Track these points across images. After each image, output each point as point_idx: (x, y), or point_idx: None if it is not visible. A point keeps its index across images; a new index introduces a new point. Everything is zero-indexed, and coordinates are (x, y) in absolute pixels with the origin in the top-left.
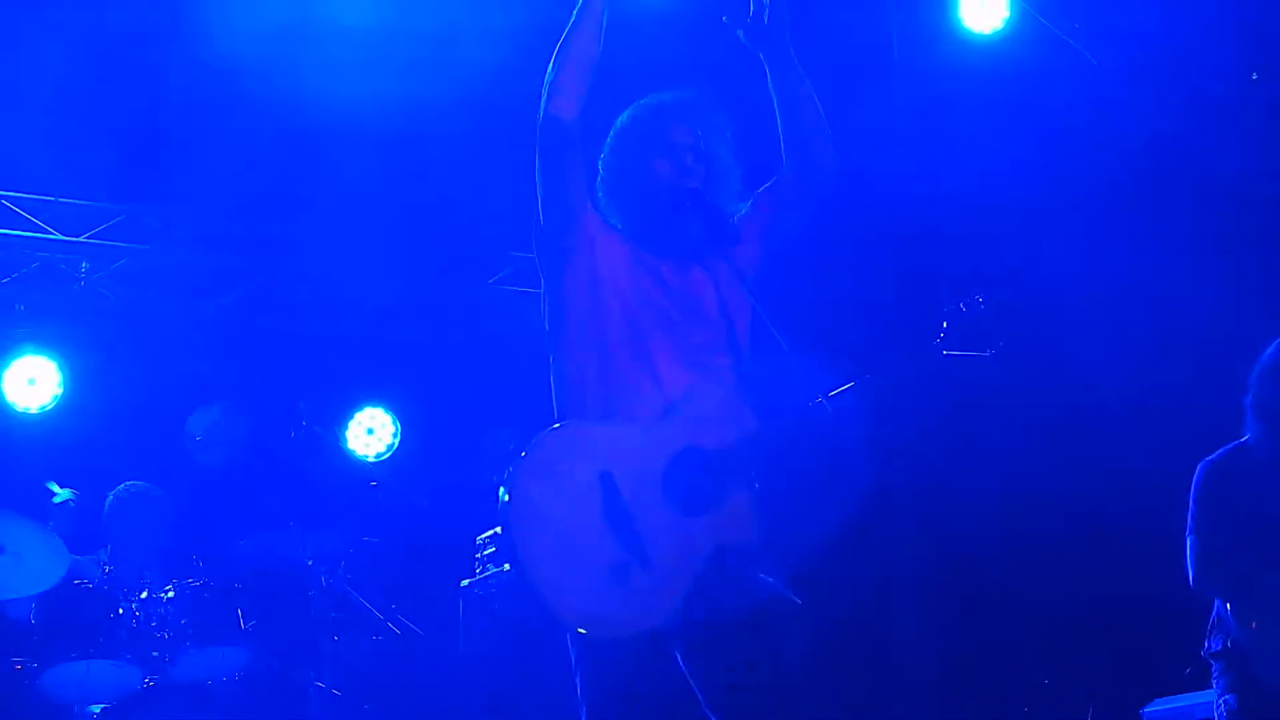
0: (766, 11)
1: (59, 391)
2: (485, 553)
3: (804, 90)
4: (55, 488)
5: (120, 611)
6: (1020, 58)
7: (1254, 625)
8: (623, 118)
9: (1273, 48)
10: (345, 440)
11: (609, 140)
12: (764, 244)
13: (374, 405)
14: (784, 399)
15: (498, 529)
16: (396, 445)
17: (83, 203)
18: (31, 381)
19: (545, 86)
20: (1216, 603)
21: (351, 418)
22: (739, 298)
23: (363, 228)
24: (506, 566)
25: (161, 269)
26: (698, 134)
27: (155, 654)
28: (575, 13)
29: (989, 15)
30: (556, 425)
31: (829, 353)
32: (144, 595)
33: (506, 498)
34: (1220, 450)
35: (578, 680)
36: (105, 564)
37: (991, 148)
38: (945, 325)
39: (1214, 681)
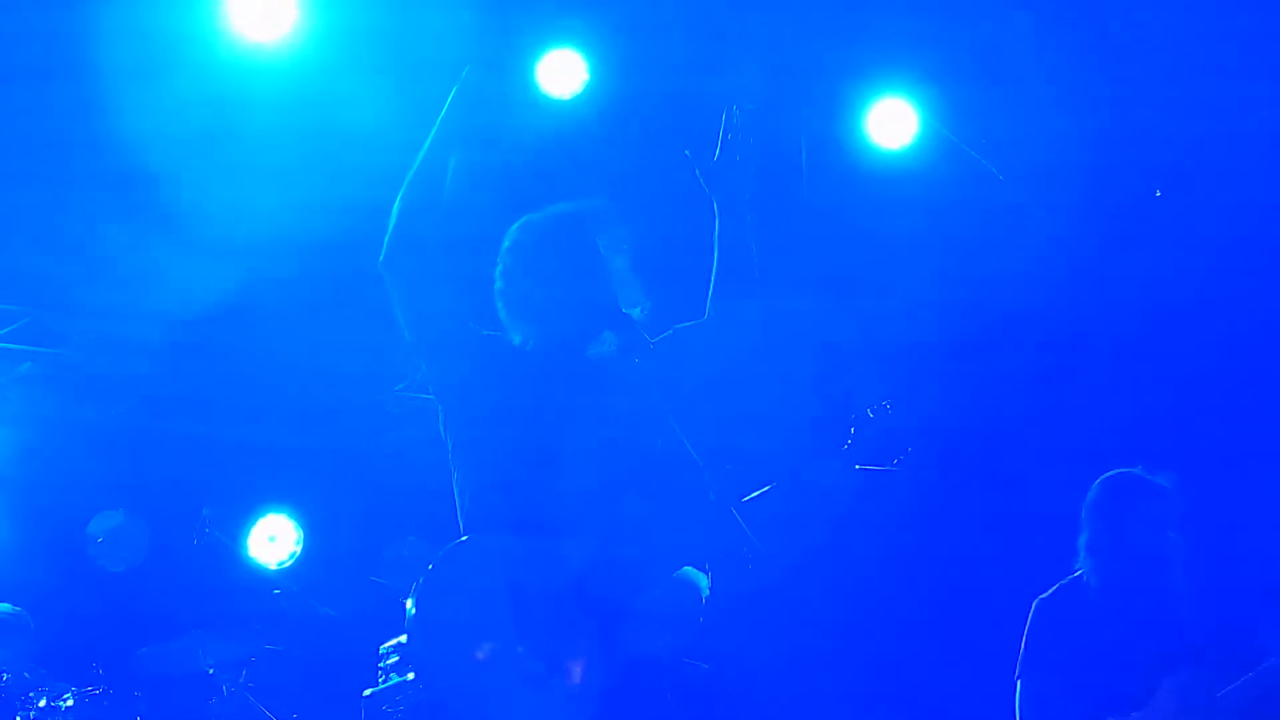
0: (731, 160)
1: None
2: (388, 662)
3: (745, 247)
4: None
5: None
6: (929, 172)
7: None
8: (521, 229)
9: (1176, 160)
10: (247, 547)
11: (508, 250)
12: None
13: (277, 511)
14: (696, 506)
15: (401, 638)
16: (299, 553)
17: None
18: None
19: (389, 235)
20: None
21: (254, 524)
22: (648, 406)
23: (267, 333)
24: (410, 676)
25: (66, 373)
26: (602, 243)
27: None
28: (420, 157)
29: (898, 132)
30: (464, 538)
31: (740, 459)
32: (42, 704)
33: (413, 610)
34: (1053, 588)
35: None
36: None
37: (899, 261)
38: (853, 431)
39: None
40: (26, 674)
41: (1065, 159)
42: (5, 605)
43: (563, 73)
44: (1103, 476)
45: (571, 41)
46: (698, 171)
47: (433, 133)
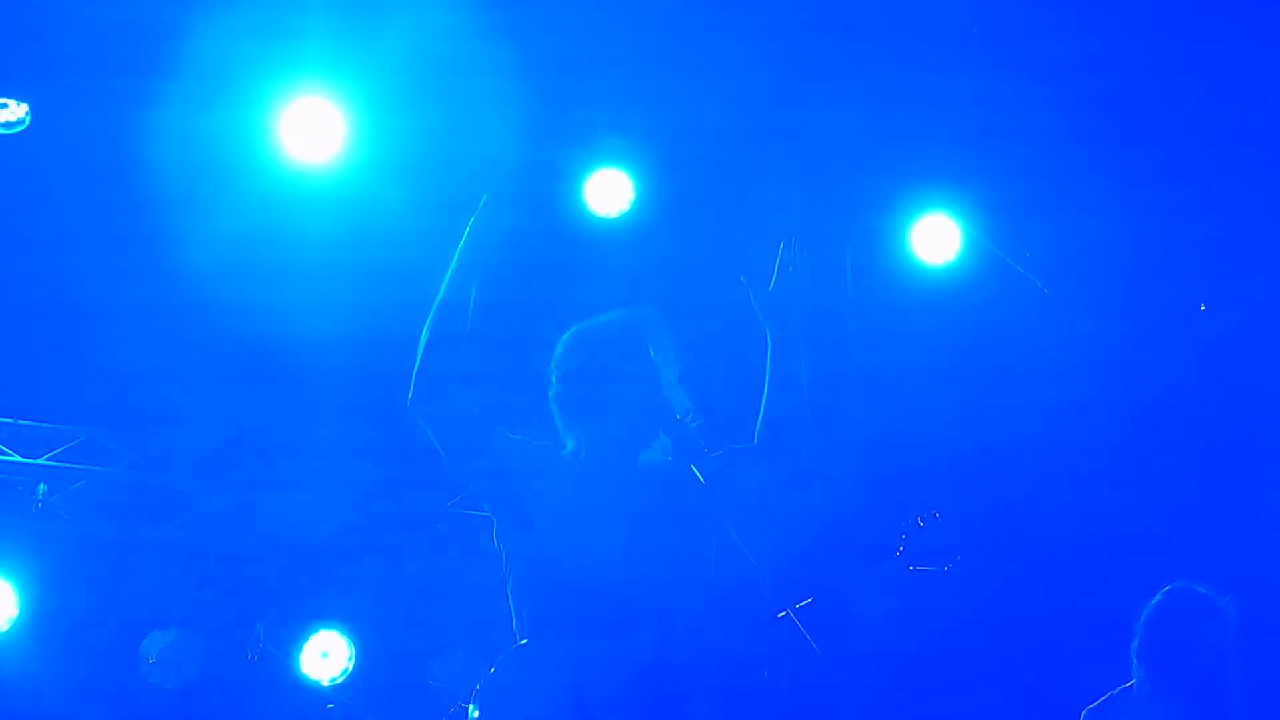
0: (787, 290)
1: (14, 614)
2: None
3: (797, 376)
4: None
5: None
6: (974, 288)
7: None
8: (576, 334)
9: (1215, 277)
10: (299, 663)
11: (562, 354)
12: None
13: (329, 628)
14: (751, 605)
15: None
16: (351, 669)
17: (41, 425)
18: None
19: (415, 375)
20: None
21: (306, 640)
22: (698, 507)
23: (320, 453)
24: None
25: (119, 491)
26: (650, 350)
27: None
28: (440, 295)
29: (942, 248)
30: (524, 641)
31: (793, 562)
32: None
33: (476, 714)
34: (1103, 698)
35: None
36: None
37: (948, 378)
38: (904, 539)
39: None
40: None
41: (1109, 270)
42: None
43: (609, 192)
44: (1164, 589)
45: (618, 161)
46: (752, 299)
47: (451, 266)
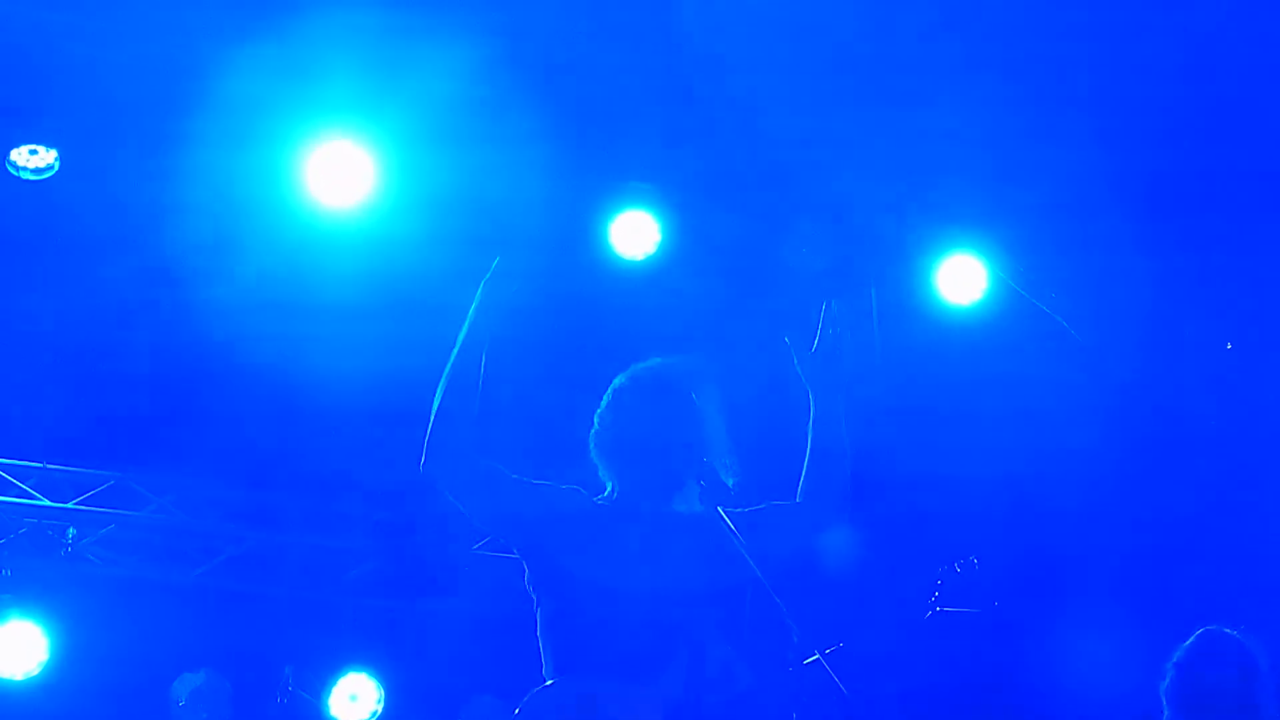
0: (830, 353)
1: (45, 658)
2: None
3: (840, 437)
4: None
5: None
6: (1000, 329)
7: None
8: (621, 379)
9: (1246, 318)
10: (328, 706)
11: (608, 398)
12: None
13: (358, 670)
14: (779, 658)
15: None
16: (380, 712)
17: (71, 469)
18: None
19: (427, 444)
20: None
21: (335, 683)
22: (732, 556)
23: (348, 495)
24: None
25: (148, 534)
26: (695, 399)
27: None
28: (452, 360)
29: (968, 288)
30: (550, 682)
31: (822, 613)
32: None
33: None
34: None
35: None
36: None
37: (975, 415)
38: (939, 584)
39: None
40: None
41: (1136, 309)
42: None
43: (635, 234)
44: (1197, 631)
45: (644, 204)
46: (795, 360)
47: (461, 336)
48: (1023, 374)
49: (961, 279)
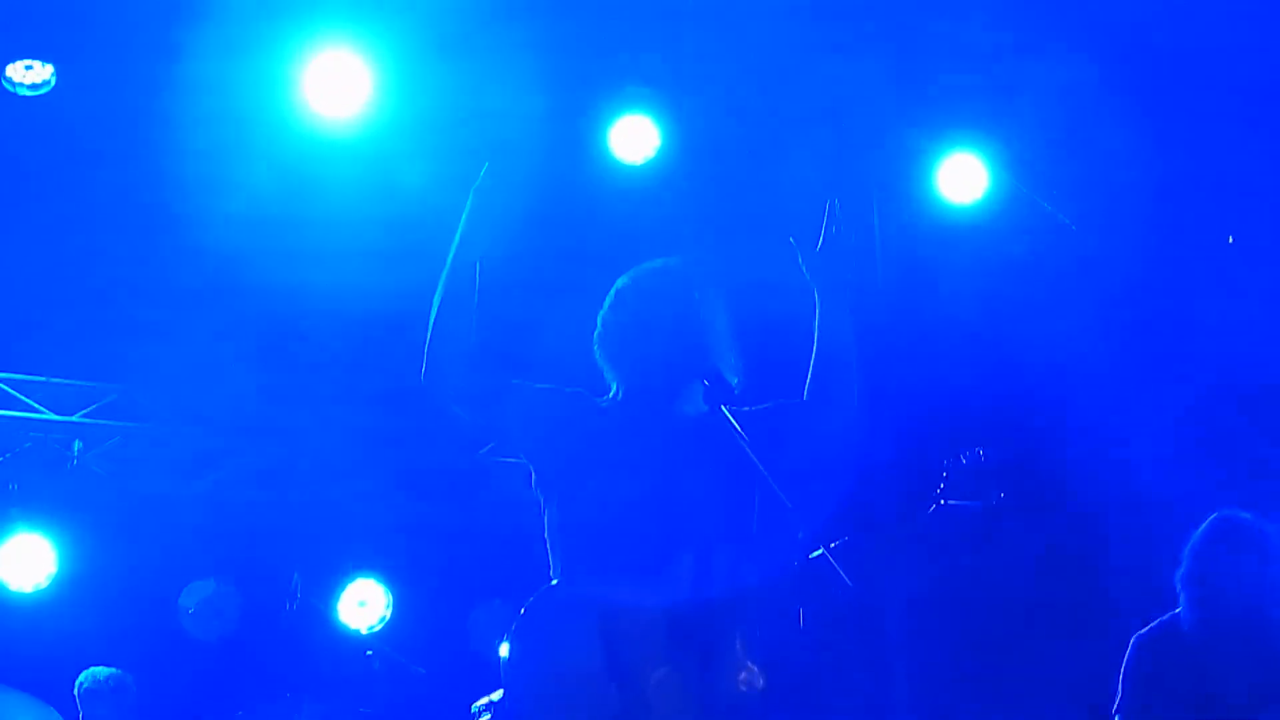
0: (834, 252)
1: (53, 570)
2: None
3: (846, 337)
4: None
5: None
6: (1001, 226)
7: None
8: (624, 279)
9: (1248, 208)
10: (337, 612)
11: (611, 299)
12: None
13: (366, 577)
14: (784, 554)
15: (493, 697)
16: (389, 617)
17: (75, 383)
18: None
19: (426, 355)
20: None
21: (343, 590)
22: (737, 455)
23: (352, 404)
24: None
25: (154, 447)
26: (698, 298)
27: None
28: (447, 267)
29: (969, 187)
30: (555, 582)
31: (830, 508)
32: None
33: (506, 654)
34: (1153, 624)
35: None
36: None
37: (977, 314)
38: (945, 477)
39: None
40: None
41: (1137, 207)
42: (109, 669)
43: (635, 138)
44: (1211, 516)
45: (643, 108)
46: (800, 259)
47: (454, 245)
48: (1024, 272)
49: (962, 178)
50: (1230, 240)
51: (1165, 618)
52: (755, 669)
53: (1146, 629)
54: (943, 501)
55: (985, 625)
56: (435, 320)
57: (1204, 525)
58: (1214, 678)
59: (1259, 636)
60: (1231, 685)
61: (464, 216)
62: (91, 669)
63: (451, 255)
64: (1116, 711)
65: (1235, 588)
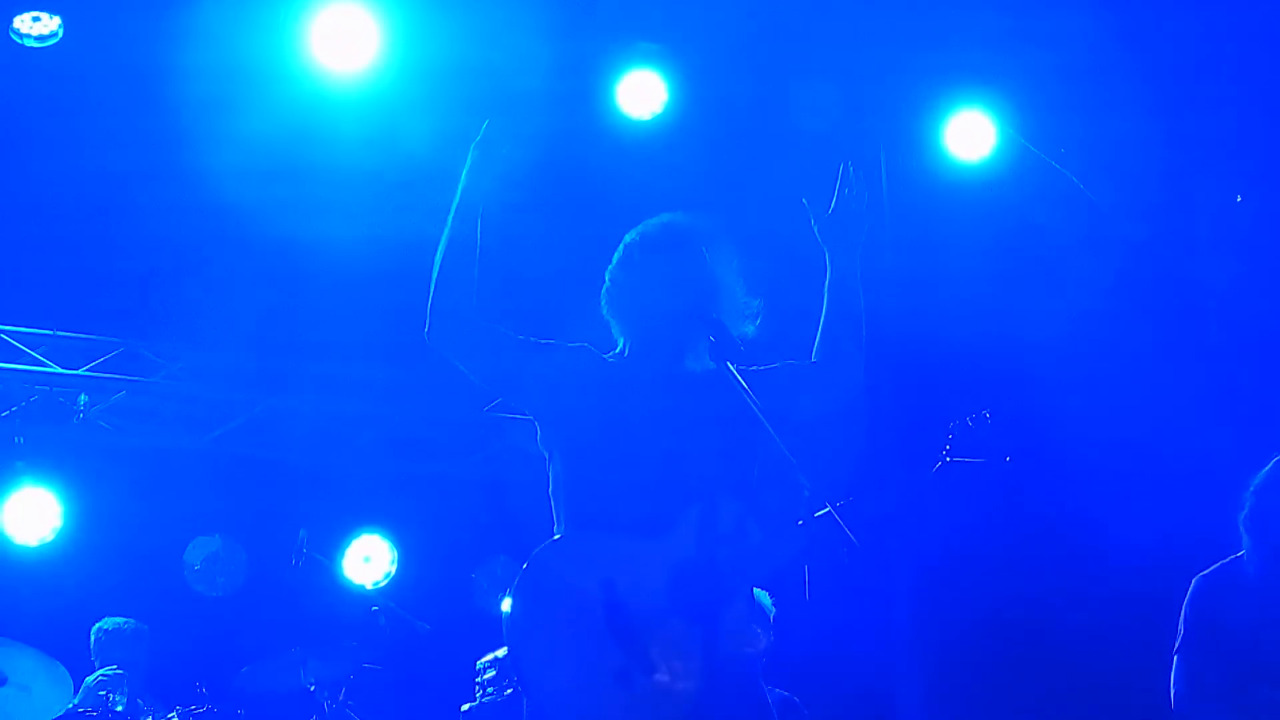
0: (846, 215)
1: (58, 524)
2: (485, 677)
3: (856, 299)
4: None
5: None
6: (1009, 184)
7: None
8: (632, 235)
9: (1256, 168)
10: (343, 568)
11: (619, 254)
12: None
13: (371, 532)
14: (789, 513)
15: (497, 653)
16: (394, 573)
17: (81, 336)
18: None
19: (429, 310)
20: None
21: (349, 545)
22: (744, 412)
23: (358, 358)
24: (508, 690)
25: (159, 401)
26: (706, 255)
27: None
28: (448, 225)
29: (976, 144)
30: (558, 536)
31: (835, 469)
32: None
33: (509, 608)
34: (1215, 566)
35: None
36: (113, 693)
37: (984, 272)
38: (950, 439)
39: None
40: (140, 701)
41: (1145, 165)
42: (124, 619)
43: (643, 93)
44: (1274, 459)
45: (650, 63)
46: (812, 221)
47: (457, 196)
48: (1032, 229)
49: (970, 136)
50: (1239, 199)
51: (1228, 559)
52: (756, 628)
53: (1209, 569)
54: (948, 458)
55: (991, 582)
56: (437, 277)
57: (1267, 467)
58: (1275, 619)
59: None
60: None
61: (465, 172)
62: (108, 618)
63: (453, 211)
64: (1176, 651)
65: None
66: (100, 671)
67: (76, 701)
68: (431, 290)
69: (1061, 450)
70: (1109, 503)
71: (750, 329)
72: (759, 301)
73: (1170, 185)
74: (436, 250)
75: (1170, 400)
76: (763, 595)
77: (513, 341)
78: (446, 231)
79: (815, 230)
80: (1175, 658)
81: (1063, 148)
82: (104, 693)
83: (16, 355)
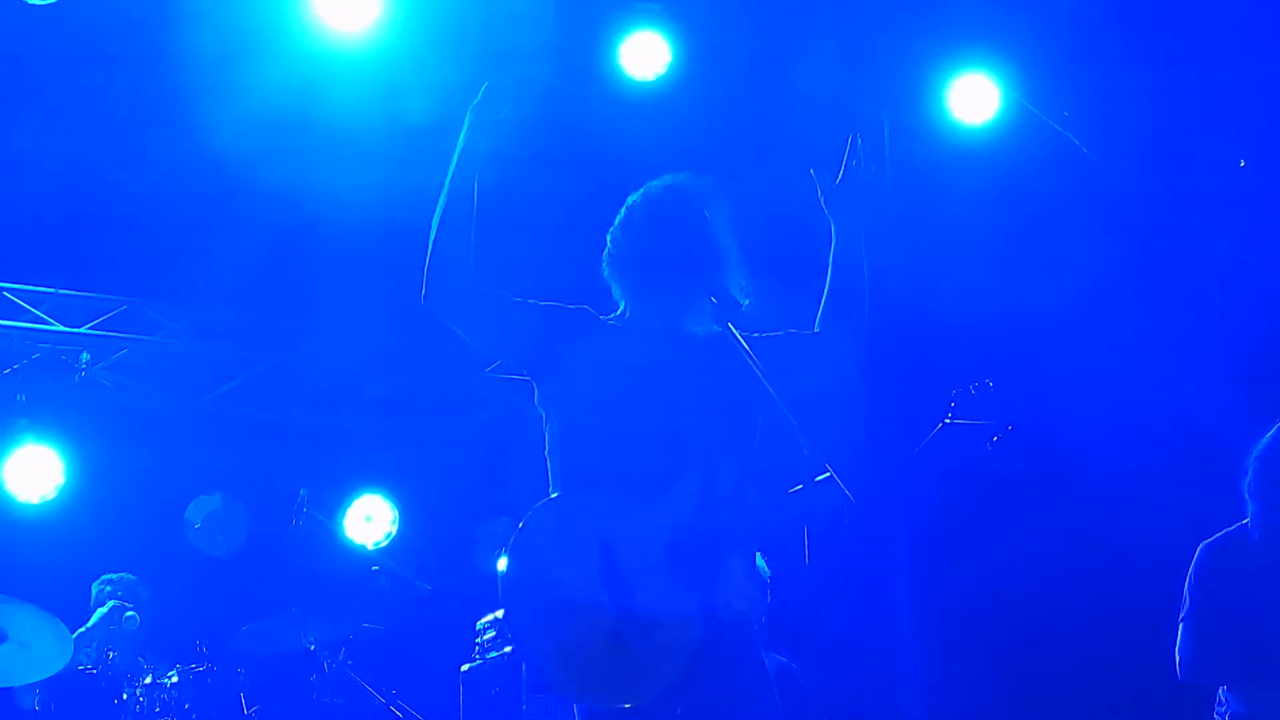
0: (853, 187)
1: (60, 481)
2: (485, 638)
3: (860, 270)
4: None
5: (124, 697)
6: (1013, 148)
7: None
8: (635, 196)
9: (1260, 134)
10: (343, 528)
11: (621, 216)
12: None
13: (373, 492)
14: (787, 475)
15: (497, 614)
16: (395, 533)
17: (83, 294)
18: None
19: (425, 277)
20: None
21: (350, 504)
22: (744, 375)
23: (359, 317)
24: (507, 650)
25: (161, 360)
26: (709, 217)
27: None
28: (445, 188)
29: (980, 107)
30: (555, 495)
31: (835, 437)
32: (148, 681)
33: (505, 567)
34: (1220, 533)
35: None
36: (109, 650)
37: (987, 237)
38: (953, 406)
39: None
40: (141, 659)
41: (1149, 130)
42: (124, 574)
43: (646, 54)
44: (1277, 425)
45: (654, 24)
46: (819, 193)
47: (454, 160)
48: (1035, 193)
49: (974, 98)
50: (1242, 164)
51: (1233, 527)
52: (753, 591)
53: (1214, 537)
54: (950, 420)
55: (991, 547)
56: (433, 242)
57: (1269, 434)
58: (1277, 585)
59: None
60: None
61: (462, 135)
62: (109, 573)
63: (449, 176)
64: (1182, 619)
65: None
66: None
67: (92, 624)
68: (427, 256)
69: (1064, 416)
70: (1112, 467)
71: (749, 291)
72: (752, 270)
73: (1173, 150)
74: (433, 215)
75: (1174, 366)
76: (758, 559)
77: (510, 304)
78: (443, 196)
79: (822, 202)
80: (1181, 625)
81: (1067, 111)
82: (115, 602)
83: (19, 313)
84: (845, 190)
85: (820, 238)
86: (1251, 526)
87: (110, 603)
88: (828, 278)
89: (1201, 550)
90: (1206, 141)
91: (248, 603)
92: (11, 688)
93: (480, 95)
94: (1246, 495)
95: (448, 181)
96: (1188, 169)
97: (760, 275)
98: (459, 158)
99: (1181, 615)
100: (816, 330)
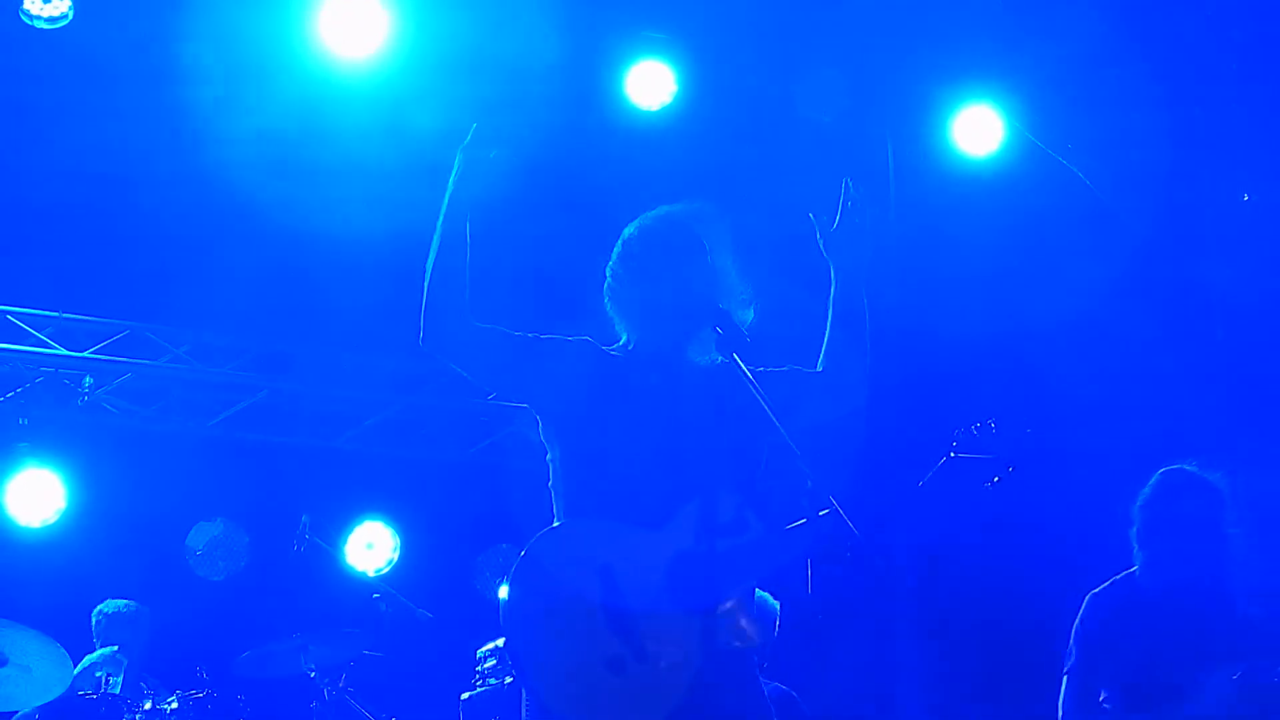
0: (851, 232)
1: (62, 505)
2: (485, 666)
3: (861, 313)
4: None
5: None
6: (1016, 179)
7: None
8: (630, 229)
9: (1263, 168)
10: (345, 554)
11: (618, 249)
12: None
13: (374, 519)
14: (790, 507)
15: (498, 642)
16: (397, 560)
17: (87, 319)
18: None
19: (422, 316)
20: None
21: (352, 531)
22: (748, 405)
23: (362, 343)
24: (508, 679)
25: (164, 384)
26: (705, 243)
27: None
28: (438, 230)
29: (984, 139)
30: (557, 523)
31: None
32: (148, 706)
33: (505, 595)
34: (1106, 583)
35: None
36: (109, 675)
37: (991, 268)
38: (955, 445)
39: None
40: (142, 684)
41: (1152, 162)
42: (125, 602)
43: (651, 84)
44: (1158, 472)
45: (659, 54)
46: (819, 237)
47: (445, 200)
48: (1038, 225)
49: (978, 131)
50: (1246, 199)
51: (1119, 575)
52: (754, 623)
53: (1100, 587)
54: (952, 454)
55: (994, 581)
56: (428, 286)
57: (1152, 480)
58: (1165, 635)
59: (1210, 591)
60: (1182, 642)
61: (452, 176)
62: (109, 600)
63: (441, 217)
64: (1066, 672)
65: (1184, 542)
66: (99, 651)
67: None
68: (423, 299)
69: (1066, 449)
70: (1113, 504)
71: (750, 315)
72: (750, 291)
73: (1177, 182)
74: (427, 256)
75: (1175, 398)
76: (766, 596)
77: (509, 340)
78: (435, 239)
79: (821, 245)
80: (1065, 679)
81: (1070, 143)
82: (100, 674)
83: (22, 336)
84: (842, 234)
85: (824, 265)
86: (1140, 575)
87: (98, 673)
88: (828, 320)
89: (1088, 601)
90: (1211, 174)
91: (248, 629)
92: (12, 713)
93: (469, 137)
94: (1134, 544)
95: (439, 224)
96: (1192, 202)
97: (764, 305)
98: (449, 200)
99: (1066, 668)
100: (819, 369)
